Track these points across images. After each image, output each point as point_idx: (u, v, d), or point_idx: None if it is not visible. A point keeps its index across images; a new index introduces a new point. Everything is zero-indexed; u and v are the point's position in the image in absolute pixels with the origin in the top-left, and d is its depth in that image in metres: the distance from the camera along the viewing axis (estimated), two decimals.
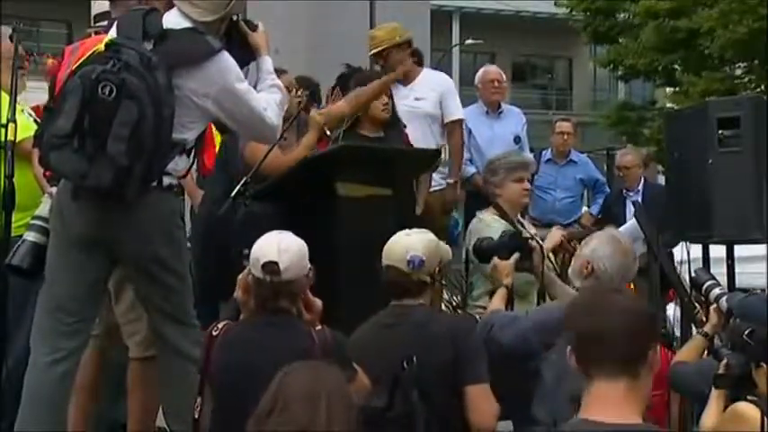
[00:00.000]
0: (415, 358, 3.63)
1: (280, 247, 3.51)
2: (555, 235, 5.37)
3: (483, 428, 3.79)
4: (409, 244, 3.86)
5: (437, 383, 3.69)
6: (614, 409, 2.54)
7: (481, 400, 3.77)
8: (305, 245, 3.60)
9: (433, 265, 3.89)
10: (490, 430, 3.83)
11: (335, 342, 3.51)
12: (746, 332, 3.73)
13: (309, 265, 3.60)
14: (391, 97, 5.69)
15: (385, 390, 3.61)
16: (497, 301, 4.67)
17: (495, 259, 4.80)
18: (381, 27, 6.45)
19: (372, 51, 6.35)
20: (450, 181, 6.43)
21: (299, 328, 3.55)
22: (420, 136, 6.03)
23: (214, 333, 3.59)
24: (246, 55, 4.17)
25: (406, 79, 6.31)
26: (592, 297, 2.82)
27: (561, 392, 3.68)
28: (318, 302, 3.67)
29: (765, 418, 3.29)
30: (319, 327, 3.56)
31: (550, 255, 5.15)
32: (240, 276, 3.63)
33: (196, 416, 3.57)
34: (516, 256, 4.79)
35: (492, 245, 4.90)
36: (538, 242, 5.06)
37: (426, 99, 6.29)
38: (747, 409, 3.40)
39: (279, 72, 4.39)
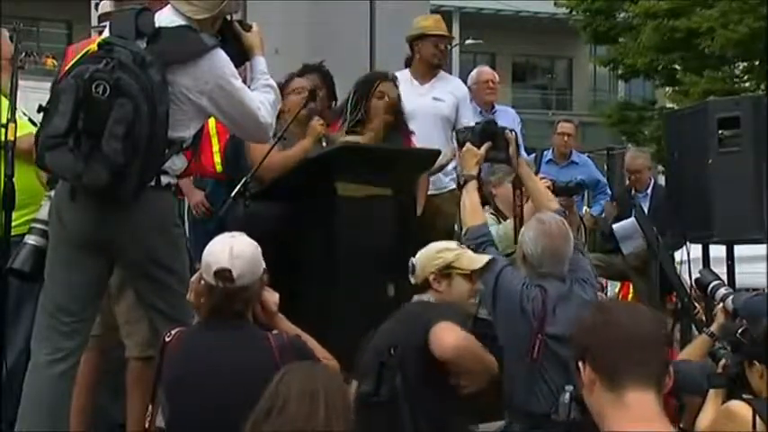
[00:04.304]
0: (399, 346, 3.69)
1: (232, 253, 3.39)
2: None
3: (444, 354, 3.68)
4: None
5: (418, 369, 3.71)
6: (655, 421, 2.39)
7: (442, 332, 3.68)
8: (258, 248, 3.49)
9: (426, 270, 4.00)
10: (452, 354, 3.70)
11: (292, 344, 3.41)
12: (739, 331, 3.73)
13: (264, 267, 3.51)
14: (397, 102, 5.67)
15: (374, 376, 3.68)
16: (472, 194, 4.60)
17: (468, 144, 4.76)
18: (431, 16, 6.49)
19: (409, 34, 6.32)
20: None
21: (255, 332, 3.46)
22: (435, 136, 6.01)
23: (167, 339, 3.46)
24: (240, 55, 4.17)
25: (424, 77, 6.31)
26: (611, 307, 2.67)
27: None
28: (273, 300, 3.60)
29: (757, 417, 3.29)
30: (276, 331, 3.47)
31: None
32: (192, 279, 3.56)
33: (146, 424, 3.46)
34: (488, 144, 4.74)
35: (468, 135, 4.84)
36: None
37: (445, 102, 6.26)
38: (739, 407, 3.39)
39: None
